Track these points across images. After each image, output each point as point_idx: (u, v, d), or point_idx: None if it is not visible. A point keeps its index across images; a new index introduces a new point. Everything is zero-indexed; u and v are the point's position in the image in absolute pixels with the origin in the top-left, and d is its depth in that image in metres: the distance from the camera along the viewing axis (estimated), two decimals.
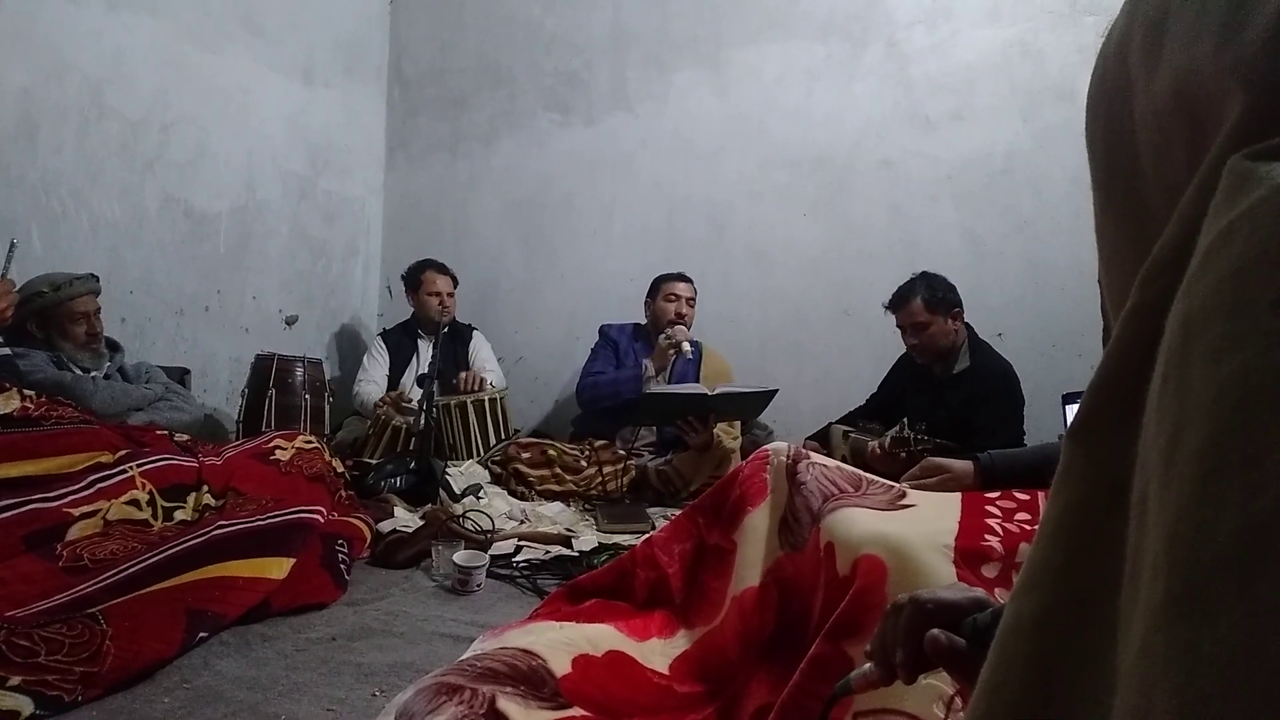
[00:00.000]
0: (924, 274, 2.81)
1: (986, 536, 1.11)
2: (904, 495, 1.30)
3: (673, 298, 3.41)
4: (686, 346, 3.22)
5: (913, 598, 0.69)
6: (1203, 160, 0.35)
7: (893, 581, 1.04)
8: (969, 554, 1.08)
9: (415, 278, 3.72)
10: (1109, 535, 0.35)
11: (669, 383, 3.36)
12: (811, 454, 1.51)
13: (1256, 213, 0.30)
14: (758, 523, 1.43)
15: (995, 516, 1.19)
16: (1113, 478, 0.35)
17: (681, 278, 3.48)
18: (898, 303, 2.82)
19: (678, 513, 2.70)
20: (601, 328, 3.58)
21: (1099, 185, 0.44)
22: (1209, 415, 0.28)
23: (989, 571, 1.07)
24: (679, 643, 1.41)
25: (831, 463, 1.46)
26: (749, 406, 3.09)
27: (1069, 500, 0.37)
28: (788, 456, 1.47)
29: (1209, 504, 0.27)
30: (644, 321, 3.53)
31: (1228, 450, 0.27)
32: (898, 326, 2.87)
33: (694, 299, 3.47)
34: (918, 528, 1.13)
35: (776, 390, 2.98)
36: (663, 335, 3.29)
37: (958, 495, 1.29)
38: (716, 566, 1.45)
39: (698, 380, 3.34)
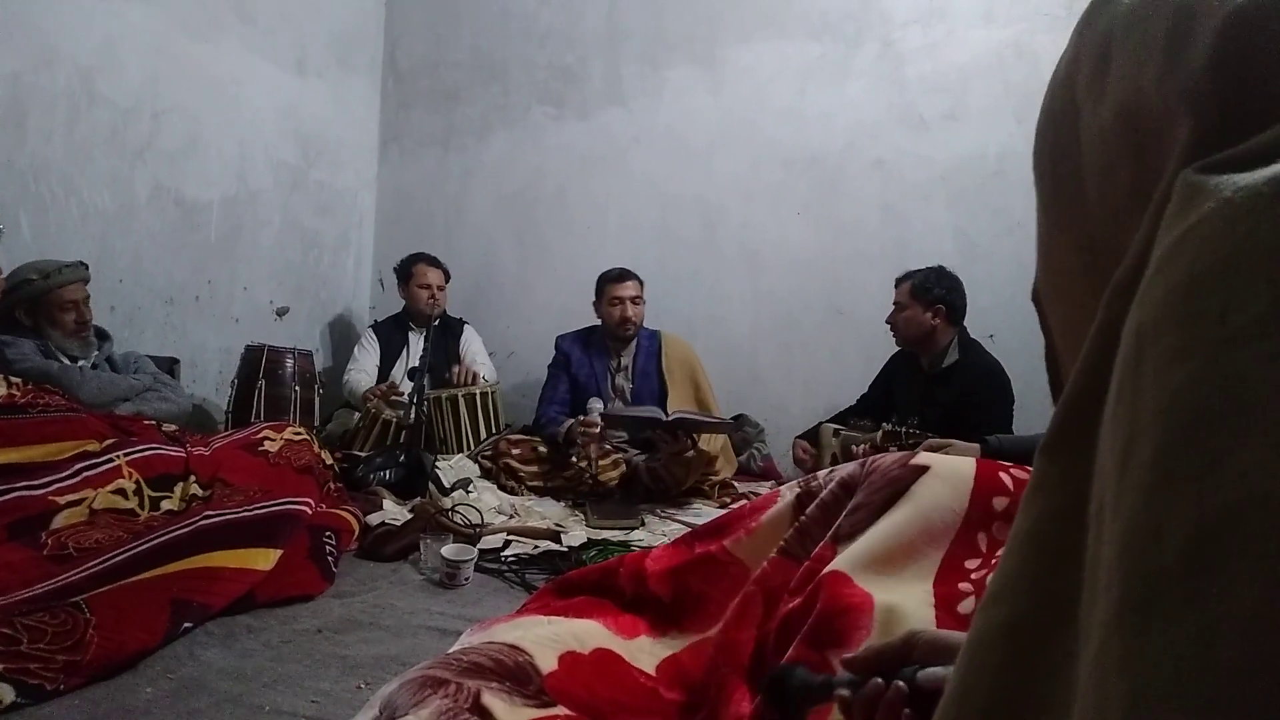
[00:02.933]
0: (939, 268, 2.87)
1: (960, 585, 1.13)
2: (914, 456, 1.30)
3: (616, 301, 3.29)
4: (595, 416, 3.00)
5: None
6: (1148, 181, 0.36)
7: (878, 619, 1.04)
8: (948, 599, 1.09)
9: (407, 270, 3.71)
10: (1075, 548, 0.35)
11: (631, 379, 3.33)
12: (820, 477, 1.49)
13: (1206, 224, 0.30)
14: (764, 533, 1.41)
15: (1001, 499, 1.20)
16: (1080, 492, 0.36)
17: (624, 275, 3.34)
18: (901, 279, 2.92)
19: (668, 509, 2.75)
20: (556, 340, 3.46)
21: (1045, 207, 0.44)
22: (1160, 424, 0.29)
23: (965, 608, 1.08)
24: (669, 643, 1.40)
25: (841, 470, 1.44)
26: (709, 429, 3.02)
27: (1039, 514, 0.38)
28: (800, 486, 1.45)
29: (1159, 513, 0.27)
30: (598, 324, 3.43)
31: (1178, 460, 0.28)
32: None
33: (640, 296, 3.34)
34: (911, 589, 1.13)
35: (737, 420, 2.95)
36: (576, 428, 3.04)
37: (971, 459, 1.29)
38: (711, 574, 1.43)
39: (660, 377, 3.30)
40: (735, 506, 1.59)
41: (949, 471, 1.24)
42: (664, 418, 2.84)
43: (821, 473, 1.42)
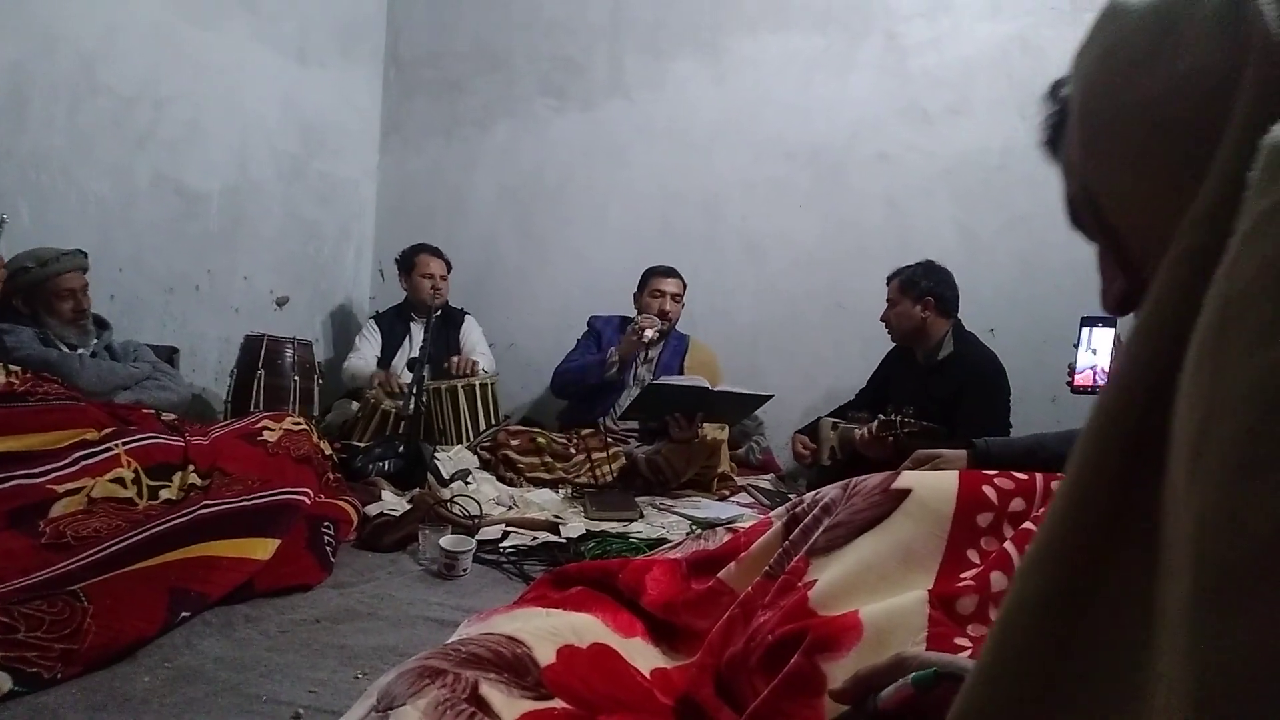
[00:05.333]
0: (927, 262, 2.90)
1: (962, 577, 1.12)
2: (896, 478, 1.29)
3: (658, 294, 3.41)
4: (649, 334, 3.23)
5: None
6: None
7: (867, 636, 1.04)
8: (946, 599, 1.08)
9: (409, 261, 3.71)
10: (1123, 508, 0.35)
11: (653, 372, 3.39)
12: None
13: None
14: (752, 560, 1.41)
15: (990, 504, 1.19)
16: (1133, 443, 0.35)
17: (670, 273, 3.48)
18: (891, 276, 2.96)
19: (667, 501, 2.74)
20: (590, 319, 3.61)
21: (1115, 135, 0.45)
22: (1243, 407, 0.28)
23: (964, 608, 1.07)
24: (661, 656, 1.40)
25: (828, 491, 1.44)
26: (740, 408, 3.09)
27: (1085, 460, 0.37)
28: (788, 512, 1.44)
29: (1239, 500, 0.27)
30: (632, 314, 3.52)
31: (1260, 447, 0.27)
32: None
33: (680, 295, 3.46)
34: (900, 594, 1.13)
35: (772, 395, 2.98)
36: (632, 323, 3.31)
37: (954, 474, 1.28)
38: (704, 610, 1.43)
39: (681, 367, 3.35)
40: (729, 538, 1.58)
41: (931, 494, 1.23)
42: (709, 387, 2.85)
43: (807, 496, 1.42)
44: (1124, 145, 0.44)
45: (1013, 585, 0.38)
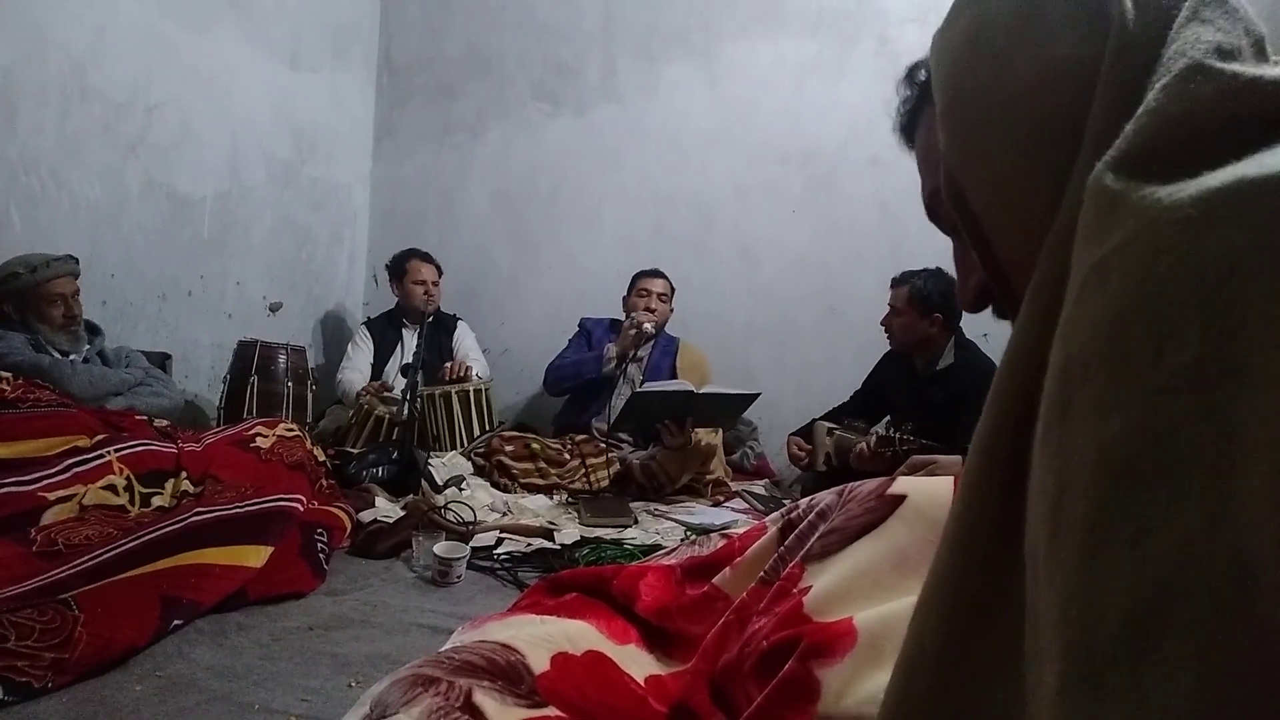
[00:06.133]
0: (937, 271, 2.78)
1: None
2: (891, 484, 1.29)
3: (644, 293, 3.48)
4: (648, 326, 3.29)
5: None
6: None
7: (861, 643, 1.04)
8: None
9: (400, 266, 3.71)
10: (999, 560, 0.34)
11: (643, 372, 3.41)
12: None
13: (1130, 250, 0.28)
14: (747, 565, 1.40)
15: None
16: (1010, 480, 0.35)
17: (656, 274, 3.54)
18: (897, 281, 2.86)
19: (661, 507, 2.74)
20: (581, 320, 3.65)
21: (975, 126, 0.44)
22: (1091, 481, 0.27)
23: None
24: (656, 663, 1.39)
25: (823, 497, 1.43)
26: (729, 409, 3.09)
27: (968, 494, 0.38)
28: (783, 517, 1.44)
29: (1095, 583, 0.26)
30: (621, 318, 3.55)
31: (1111, 525, 0.26)
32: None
33: (667, 295, 3.52)
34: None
35: (759, 394, 2.98)
36: (627, 319, 3.36)
37: (949, 480, 1.28)
38: (698, 615, 1.42)
39: (674, 373, 3.36)
40: (724, 544, 1.57)
41: (926, 499, 1.23)
42: (694, 390, 2.85)
43: (803, 502, 1.42)
44: (996, 137, 0.42)
45: (912, 619, 0.39)
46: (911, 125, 0.59)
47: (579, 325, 3.63)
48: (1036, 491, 0.30)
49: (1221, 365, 0.24)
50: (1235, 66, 0.31)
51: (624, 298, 3.55)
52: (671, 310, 3.55)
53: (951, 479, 1.29)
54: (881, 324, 2.93)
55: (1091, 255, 0.29)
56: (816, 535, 1.27)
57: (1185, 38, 0.33)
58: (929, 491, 1.25)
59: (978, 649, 0.35)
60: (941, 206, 0.52)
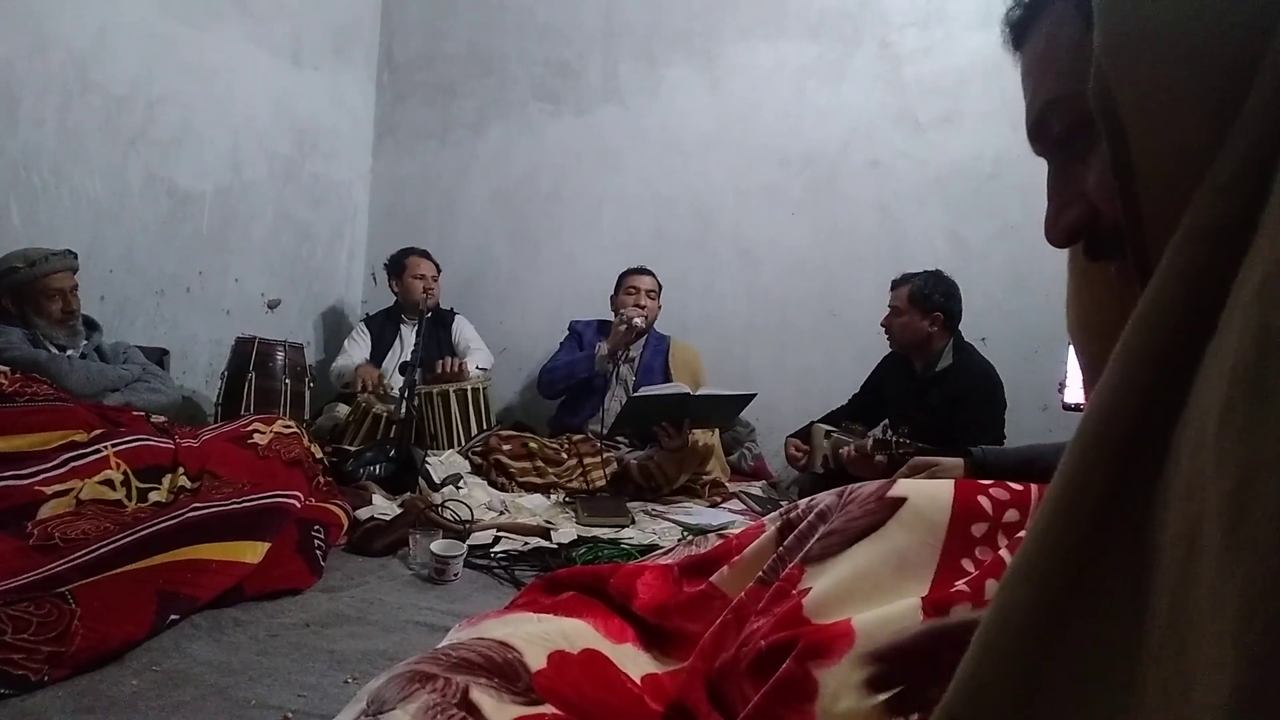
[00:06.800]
0: (936, 273, 2.83)
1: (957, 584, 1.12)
2: (892, 486, 1.29)
3: (632, 290, 3.49)
4: (638, 321, 3.30)
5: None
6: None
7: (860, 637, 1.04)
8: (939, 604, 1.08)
9: (399, 264, 3.72)
10: (1110, 524, 0.31)
11: (635, 372, 3.41)
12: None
13: None
14: (745, 565, 1.40)
15: (983, 517, 1.19)
16: (1125, 453, 0.31)
17: (643, 271, 3.55)
18: (897, 282, 2.89)
19: (659, 507, 2.74)
20: (570, 323, 3.67)
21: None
22: None
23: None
24: (653, 662, 1.39)
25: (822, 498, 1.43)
26: (726, 410, 3.10)
27: (1071, 471, 0.33)
28: (782, 517, 1.44)
29: None
30: (610, 319, 3.54)
31: None
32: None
33: (655, 292, 3.53)
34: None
35: (755, 394, 2.98)
36: (618, 315, 3.37)
37: (950, 483, 1.28)
38: (695, 613, 1.42)
39: (666, 372, 3.36)
40: (721, 542, 1.57)
41: (927, 502, 1.23)
42: (690, 392, 2.86)
43: (802, 502, 1.42)
44: (1168, 41, 0.35)
45: (997, 596, 0.34)
46: (1028, 22, 0.48)
47: (569, 328, 3.65)
48: (1211, 473, 0.26)
49: None
50: None
51: (612, 297, 3.57)
52: (660, 307, 3.55)
53: (951, 482, 1.29)
54: (881, 325, 2.95)
55: None
56: (816, 537, 1.27)
57: None
58: (929, 494, 1.25)
59: (1071, 619, 0.31)
60: (1056, 120, 0.45)
